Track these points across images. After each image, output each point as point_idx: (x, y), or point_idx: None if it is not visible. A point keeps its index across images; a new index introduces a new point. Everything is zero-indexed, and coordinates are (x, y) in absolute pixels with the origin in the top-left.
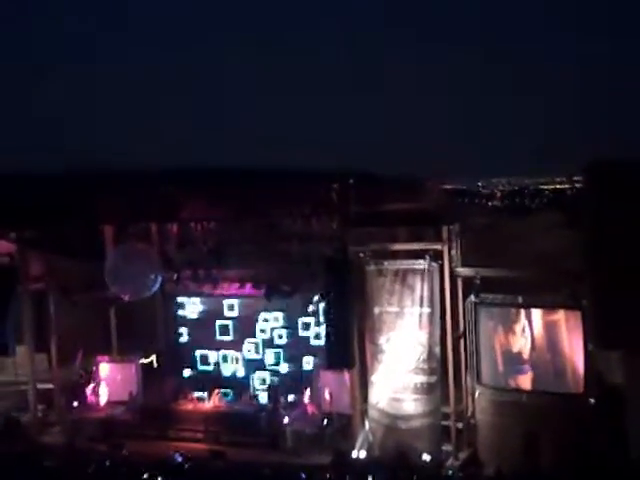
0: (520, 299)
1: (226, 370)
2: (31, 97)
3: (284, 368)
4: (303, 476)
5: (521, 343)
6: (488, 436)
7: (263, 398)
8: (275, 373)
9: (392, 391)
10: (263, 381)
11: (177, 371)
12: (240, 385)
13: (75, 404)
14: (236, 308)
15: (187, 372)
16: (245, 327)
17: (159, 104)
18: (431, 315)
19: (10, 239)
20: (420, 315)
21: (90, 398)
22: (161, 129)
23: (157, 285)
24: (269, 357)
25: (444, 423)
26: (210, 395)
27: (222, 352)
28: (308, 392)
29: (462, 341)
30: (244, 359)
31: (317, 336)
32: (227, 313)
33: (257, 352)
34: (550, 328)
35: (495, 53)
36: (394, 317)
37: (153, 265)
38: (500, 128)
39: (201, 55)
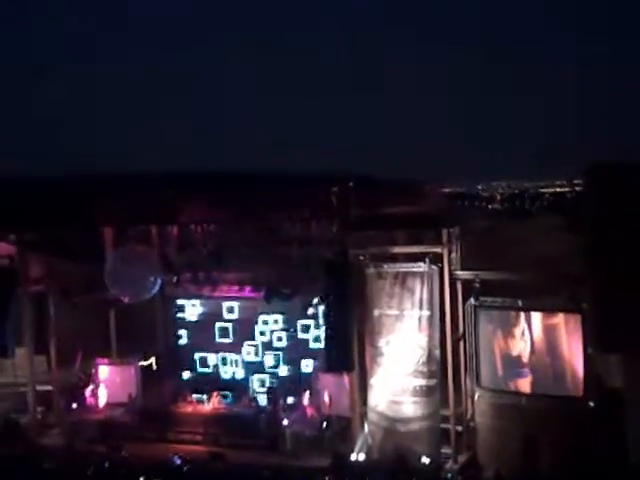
0: (520, 302)
1: (225, 373)
2: (31, 97)
3: (283, 371)
4: (302, 479)
5: (520, 347)
6: (487, 439)
7: (262, 400)
8: (274, 376)
9: (391, 394)
10: (262, 383)
11: (176, 373)
12: (239, 387)
13: (74, 406)
14: (236, 311)
15: (186, 374)
16: (244, 330)
17: (159, 105)
18: (431, 318)
19: (10, 241)
20: (420, 318)
21: (89, 400)
22: (161, 130)
23: (157, 287)
24: (268, 360)
25: (443, 426)
26: (209, 397)
27: (221, 354)
28: (307, 394)
29: (461, 344)
30: (243, 362)
31: (317, 339)
32: (227, 316)
33: (256, 355)
34: (550, 331)
35: (495, 53)
36: (394, 320)
37: (153, 268)
38: (500, 129)
39: (201, 55)
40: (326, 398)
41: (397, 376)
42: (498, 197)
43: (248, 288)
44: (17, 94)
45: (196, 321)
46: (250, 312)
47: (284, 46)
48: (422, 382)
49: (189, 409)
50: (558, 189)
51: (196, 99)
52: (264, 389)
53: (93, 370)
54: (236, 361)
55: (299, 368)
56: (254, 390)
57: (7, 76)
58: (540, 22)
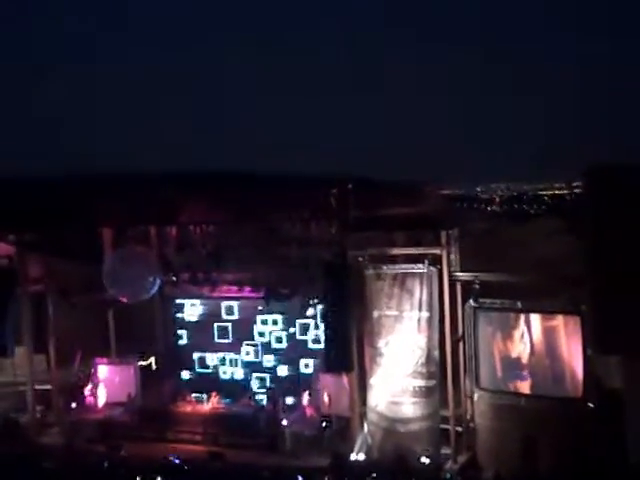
0: (519, 304)
1: (224, 373)
2: (31, 97)
3: (283, 371)
4: (301, 478)
5: (520, 348)
6: (487, 440)
7: (262, 400)
8: (274, 376)
9: (391, 394)
10: (262, 383)
11: (175, 373)
12: (239, 387)
13: (73, 405)
14: (235, 311)
15: (186, 374)
16: (244, 330)
17: (159, 105)
18: (430, 319)
19: (9, 241)
20: (419, 319)
21: (88, 399)
22: (161, 130)
23: (156, 288)
24: (267, 360)
25: (443, 426)
26: (209, 397)
27: (220, 355)
28: (307, 394)
29: (461, 345)
30: (242, 362)
31: (316, 339)
32: (226, 316)
33: (255, 355)
34: (549, 333)
35: (495, 53)
36: (393, 321)
37: (152, 268)
38: (500, 130)
39: (201, 55)
40: (325, 398)
41: (396, 377)
42: (497, 199)
43: (247, 288)
44: (17, 94)
45: (195, 321)
46: (249, 312)
47: (284, 46)
48: (421, 383)
49: (188, 409)
50: (557, 191)
51: (196, 99)
52: (263, 389)
53: (92, 370)
54: (235, 361)
55: (298, 368)
56: (253, 390)
57: (7, 76)
58: (540, 22)
